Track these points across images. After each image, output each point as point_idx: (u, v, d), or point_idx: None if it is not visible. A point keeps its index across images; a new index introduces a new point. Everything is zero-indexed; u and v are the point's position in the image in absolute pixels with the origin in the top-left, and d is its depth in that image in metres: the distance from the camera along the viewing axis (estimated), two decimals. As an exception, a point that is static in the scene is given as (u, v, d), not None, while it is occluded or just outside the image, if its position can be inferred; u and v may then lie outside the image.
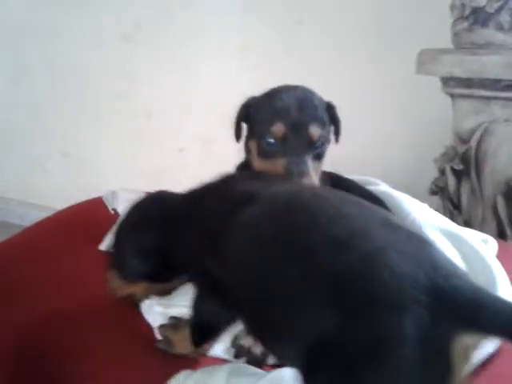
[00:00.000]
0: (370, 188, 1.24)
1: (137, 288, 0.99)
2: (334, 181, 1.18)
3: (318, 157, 1.03)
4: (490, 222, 1.55)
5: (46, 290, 1.14)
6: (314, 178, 1.00)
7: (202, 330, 0.92)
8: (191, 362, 0.96)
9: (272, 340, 0.73)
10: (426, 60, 1.58)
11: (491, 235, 1.26)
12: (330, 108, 1.08)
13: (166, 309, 1.06)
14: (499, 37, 1.48)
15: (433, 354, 0.56)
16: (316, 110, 1.03)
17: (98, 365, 0.96)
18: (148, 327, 1.04)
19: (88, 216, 1.48)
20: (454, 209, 1.59)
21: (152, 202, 1.00)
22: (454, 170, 1.59)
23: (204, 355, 0.98)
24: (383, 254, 0.60)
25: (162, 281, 0.99)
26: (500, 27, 1.47)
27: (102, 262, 1.18)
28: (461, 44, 1.57)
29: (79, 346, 1.00)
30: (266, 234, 0.72)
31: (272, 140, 1.01)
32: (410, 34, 1.85)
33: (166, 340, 0.99)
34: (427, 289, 0.57)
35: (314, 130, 1.01)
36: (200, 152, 2.47)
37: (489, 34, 1.49)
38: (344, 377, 0.58)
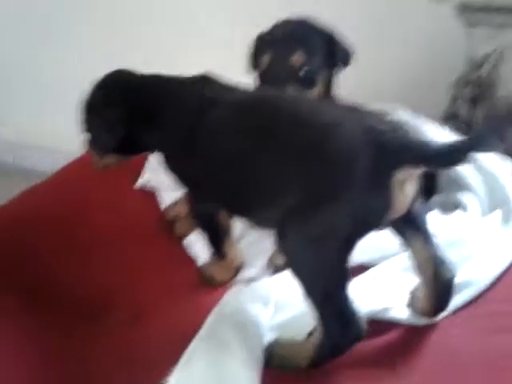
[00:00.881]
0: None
1: (109, 160, 1.10)
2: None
3: (306, 84, 1.09)
4: (503, 146, 1.62)
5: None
6: None
7: (211, 234, 1.07)
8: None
9: (252, 211, 0.94)
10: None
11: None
12: (332, 41, 1.13)
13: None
14: (514, -38, 1.49)
15: (378, 188, 0.78)
16: (304, 40, 1.10)
17: (146, 296, 1.06)
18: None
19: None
20: (466, 134, 1.64)
21: (114, 80, 1.07)
22: (467, 96, 1.64)
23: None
24: (328, 129, 0.82)
25: (130, 154, 1.11)
26: (515, -48, 1.48)
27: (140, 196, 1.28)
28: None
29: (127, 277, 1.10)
30: (240, 125, 0.90)
31: (262, 71, 1.11)
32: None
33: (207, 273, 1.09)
34: (368, 143, 0.78)
35: (295, 58, 1.07)
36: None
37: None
38: (310, 211, 0.80)
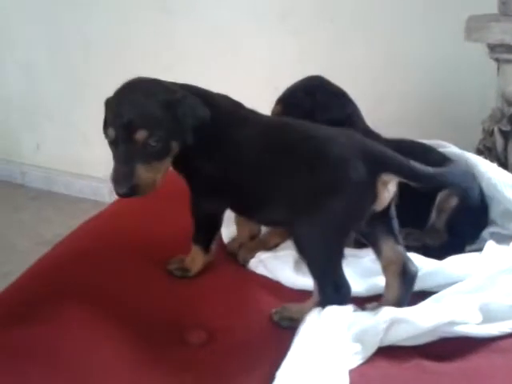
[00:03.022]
0: (443, 150, 1.37)
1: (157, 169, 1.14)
2: (406, 148, 1.31)
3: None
4: (535, 177, 1.68)
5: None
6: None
7: (205, 228, 1.23)
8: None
9: (262, 212, 1.16)
10: (475, 27, 1.68)
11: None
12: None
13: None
14: (546, 5, 1.57)
15: (367, 186, 1.02)
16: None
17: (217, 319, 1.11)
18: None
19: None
20: (501, 167, 1.71)
21: (151, 82, 1.19)
22: (501, 131, 1.71)
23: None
24: (330, 141, 1.07)
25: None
26: (546, -4, 1.57)
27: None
28: (508, 12, 1.66)
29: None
30: (263, 144, 1.13)
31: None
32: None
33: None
34: (359, 151, 1.04)
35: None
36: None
37: (536, 2, 1.59)
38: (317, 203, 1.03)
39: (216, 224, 1.25)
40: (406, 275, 1.08)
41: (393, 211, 1.10)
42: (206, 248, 1.23)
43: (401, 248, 1.09)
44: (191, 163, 1.18)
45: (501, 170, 1.36)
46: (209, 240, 1.24)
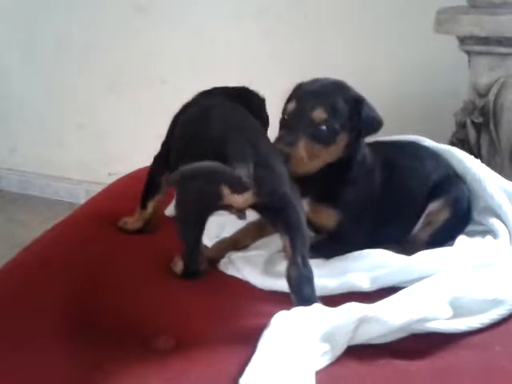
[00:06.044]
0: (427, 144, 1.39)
1: None
2: (391, 149, 1.34)
3: (320, 140, 1.15)
4: (508, 169, 1.68)
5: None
6: (302, 152, 1.14)
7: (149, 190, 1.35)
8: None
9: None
10: (444, 19, 1.67)
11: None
12: (356, 103, 1.19)
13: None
14: (515, -4, 1.57)
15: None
16: (329, 99, 1.17)
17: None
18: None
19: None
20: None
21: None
22: (473, 123, 1.71)
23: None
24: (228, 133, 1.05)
25: None
26: (515, -13, 1.56)
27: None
28: (477, 3, 1.66)
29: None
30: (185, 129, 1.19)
31: (286, 116, 1.19)
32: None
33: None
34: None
35: (316, 113, 1.15)
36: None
37: (505, -7, 1.58)
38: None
39: (156, 185, 1.34)
40: (288, 280, 1.05)
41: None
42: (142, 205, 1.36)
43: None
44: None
45: (486, 167, 1.36)
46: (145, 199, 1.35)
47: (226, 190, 1.03)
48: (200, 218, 1.13)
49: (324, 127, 1.15)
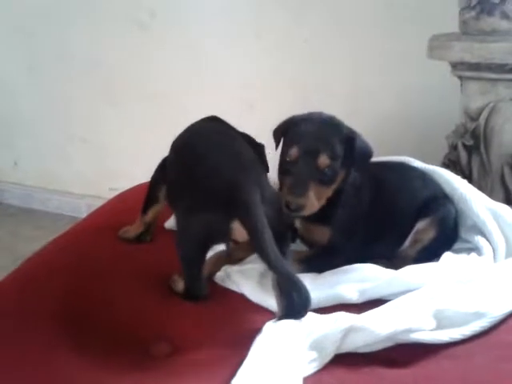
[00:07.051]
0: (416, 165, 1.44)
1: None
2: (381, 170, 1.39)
3: (325, 182, 1.21)
4: (498, 191, 1.73)
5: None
6: (312, 199, 1.19)
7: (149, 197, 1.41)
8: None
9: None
10: (437, 46, 1.74)
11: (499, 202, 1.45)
12: (349, 141, 1.24)
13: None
14: (504, 25, 1.64)
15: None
16: (328, 143, 1.21)
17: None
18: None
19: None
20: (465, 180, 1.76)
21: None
22: (464, 146, 1.76)
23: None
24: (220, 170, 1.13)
25: None
26: (505, 16, 1.63)
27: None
28: (468, 31, 1.73)
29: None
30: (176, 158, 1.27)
31: (287, 159, 1.22)
32: (420, 20, 2.02)
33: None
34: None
35: (321, 161, 1.20)
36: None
37: (495, 22, 1.65)
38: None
39: (154, 193, 1.39)
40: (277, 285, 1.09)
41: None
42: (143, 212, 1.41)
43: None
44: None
45: (469, 185, 1.42)
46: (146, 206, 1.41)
47: (236, 224, 1.06)
48: (204, 252, 1.15)
49: (327, 170, 1.20)
